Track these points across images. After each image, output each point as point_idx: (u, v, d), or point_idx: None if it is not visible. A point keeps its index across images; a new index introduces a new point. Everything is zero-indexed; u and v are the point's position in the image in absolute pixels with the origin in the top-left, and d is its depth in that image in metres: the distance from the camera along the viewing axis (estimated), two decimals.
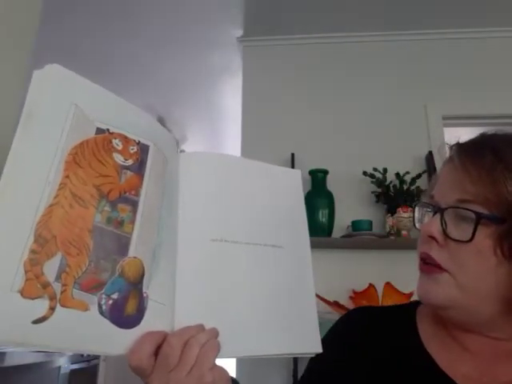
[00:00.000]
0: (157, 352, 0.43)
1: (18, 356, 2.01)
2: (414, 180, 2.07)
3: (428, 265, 0.53)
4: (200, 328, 0.46)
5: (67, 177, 0.40)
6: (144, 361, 0.41)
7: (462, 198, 0.51)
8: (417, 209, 0.59)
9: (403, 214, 1.99)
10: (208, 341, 0.44)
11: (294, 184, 0.63)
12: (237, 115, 2.60)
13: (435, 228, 0.52)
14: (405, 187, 2.06)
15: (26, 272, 0.36)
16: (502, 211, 0.48)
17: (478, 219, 0.49)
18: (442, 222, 0.52)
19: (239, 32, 2.46)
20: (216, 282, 0.50)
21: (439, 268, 0.51)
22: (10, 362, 1.90)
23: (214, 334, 0.46)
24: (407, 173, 2.07)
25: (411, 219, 1.99)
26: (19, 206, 0.37)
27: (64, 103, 0.42)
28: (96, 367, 2.80)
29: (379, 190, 2.12)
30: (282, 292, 0.54)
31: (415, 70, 2.40)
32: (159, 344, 0.43)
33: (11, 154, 0.38)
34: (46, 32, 1.41)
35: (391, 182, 2.11)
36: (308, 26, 2.40)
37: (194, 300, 0.48)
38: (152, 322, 0.44)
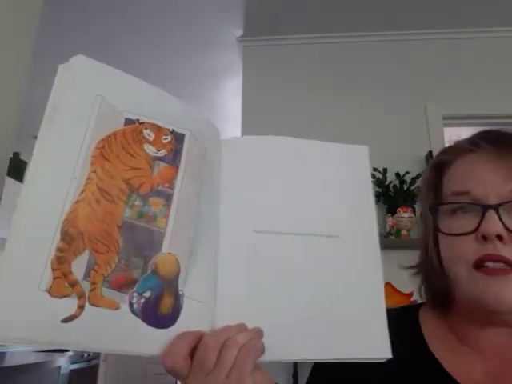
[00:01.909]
0: (194, 353, 0.40)
1: (18, 356, 2.04)
2: (414, 180, 2.07)
3: (498, 267, 0.48)
4: (241, 327, 0.42)
5: (94, 172, 0.39)
6: (178, 363, 0.39)
7: None
8: (442, 210, 0.54)
9: (403, 213, 2.00)
10: (249, 341, 0.40)
11: (359, 163, 0.54)
12: (237, 115, 2.58)
13: (499, 226, 0.48)
14: (405, 187, 2.08)
15: (53, 270, 0.36)
16: None
17: None
18: (500, 217, 0.48)
19: (239, 32, 2.46)
20: (260, 278, 0.46)
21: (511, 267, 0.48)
22: (10, 361, 1.92)
23: (257, 334, 0.42)
24: (407, 173, 2.07)
25: (411, 219, 2.00)
26: (45, 204, 0.37)
27: (90, 95, 0.40)
28: (96, 367, 2.79)
29: (379, 190, 2.08)
30: (338, 288, 0.48)
31: (415, 69, 2.40)
32: (195, 345, 0.40)
33: (36, 150, 0.37)
34: (46, 30, 1.44)
35: (391, 182, 2.08)
36: (308, 26, 2.41)
37: (236, 297, 0.45)
38: (189, 321, 0.41)
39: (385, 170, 2.09)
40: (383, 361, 0.46)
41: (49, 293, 0.35)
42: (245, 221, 0.48)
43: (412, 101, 2.33)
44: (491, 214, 0.49)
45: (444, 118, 2.26)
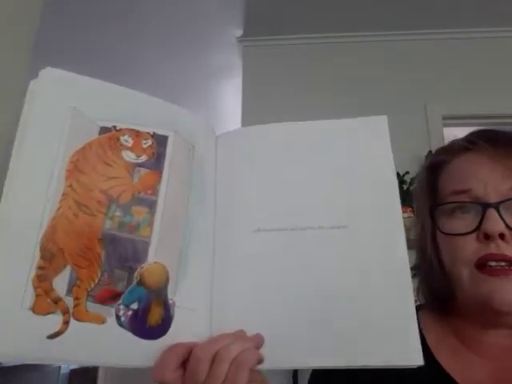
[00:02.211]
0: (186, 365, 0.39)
1: None
2: (413, 180, 1.93)
3: (500, 266, 0.47)
4: (237, 335, 0.40)
5: (70, 186, 0.39)
6: (168, 376, 0.38)
7: None
8: (442, 210, 0.52)
9: (403, 213, 1.80)
10: (242, 352, 0.38)
11: (377, 137, 0.48)
12: (237, 115, 2.50)
13: (500, 224, 0.47)
14: (405, 187, 2.03)
15: (35, 288, 0.36)
16: None
17: None
18: (501, 216, 0.47)
19: (239, 32, 2.40)
20: (260, 281, 0.43)
21: None
22: (10, 361, 1.98)
23: (256, 341, 0.40)
24: (407, 173, 2.01)
25: (410, 219, 1.76)
26: (22, 223, 0.37)
27: (61, 107, 0.40)
28: (96, 367, 2.77)
29: None
30: (349, 287, 0.43)
31: (415, 70, 2.37)
32: (186, 357, 0.39)
33: (9, 171, 0.37)
34: (45, 31, 1.45)
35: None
36: (308, 26, 2.36)
37: (235, 303, 0.43)
38: (181, 330, 0.40)
39: None
40: (414, 367, 0.41)
41: (32, 310, 0.36)
42: (244, 221, 0.45)
43: (412, 101, 2.31)
44: (492, 213, 0.48)
45: (444, 118, 2.25)
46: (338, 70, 2.43)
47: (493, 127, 0.56)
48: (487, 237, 0.47)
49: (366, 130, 0.48)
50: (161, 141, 0.43)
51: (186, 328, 0.40)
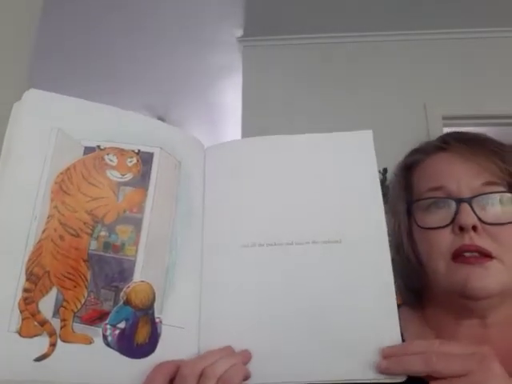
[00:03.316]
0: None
1: None
2: None
3: (475, 256, 0.50)
4: (224, 352, 0.40)
5: (55, 207, 0.39)
6: None
7: (490, 180, 0.52)
8: (418, 207, 0.55)
9: None
10: (230, 368, 0.39)
11: (362, 151, 0.49)
12: (237, 115, 2.51)
13: (473, 217, 0.50)
14: None
15: (21, 312, 0.36)
16: None
17: None
18: (473, 209, 0.50)
19: (239, 32, 2.40)
20: (248, 297, 0.44)
21: (488, 256, 0.50)
22: None
23: (243, 357, 0.40)
24: None
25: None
26: (7, 247, 0.37)
27: (44, 129, 0.40)
28: None
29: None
30: (339, 302, 0.43)
31: (415, 70, 2.37)
32: (173, 375, 0.39)
33: None
34: (45, 30, 1.43)
35: (391, 182, 1.81)
36: (308, 26, 2.35)
37: (221, 319, 0.43)
38: (169, 348, 0.40)
39: (385, 170, 1.96)
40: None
41: (19, 334, 0.36)
42: (232, 236, 0.45)
43: (412, 101, 2.31)
44: (465, 207, 0.50)
45: (444, 118, 2.24)
46: (338, 70, 2.43)
47: (465, 130, 0.60)
48: (461, 229, 0.50)
49: (351, 144, 0.49)
50: (146, 158, 0.43)
51: (174, 346, 0.41)
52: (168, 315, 0.41)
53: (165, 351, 0.40)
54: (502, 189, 0.52)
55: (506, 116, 2.24)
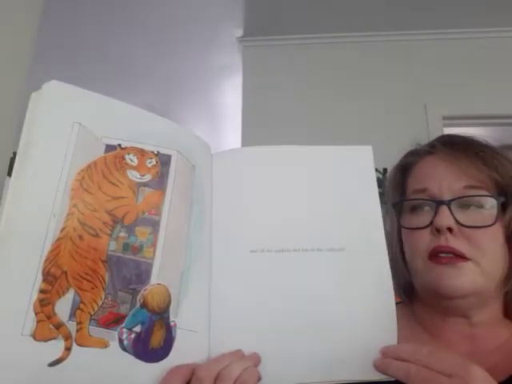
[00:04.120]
0: None
1: None
2: None
3: (450, 257, 0.51)
4: (236, 355, 0.41)
5: (75, 206, 0.37)
6: None
7: (471, 184, 0.52)
8: (405, 208, 0.57)
9: None
10: (244, 371, 0.39)
11: (362, 166, 0.52)
12: (237, 115, 2.54)
13: (450, 219, 0.51)
14: None
15: (36, 314, 0.34)
16: (506, 195, 0.52)
17: (499, 203, 0.51)
18: (452, 212, 0.51)
19: (239, 32, 2.42)
20: (257, 302, 0.44)
21: (463, 257, 0.51)
22: None
23: (254, 360, 0.41)
24: None
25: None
26: (23, 245, 0.35)
27: (66, 124, 0.38)
28: None
29: (379, 190, 1.96)
30: (341, 307, 0.46)
31: (415, 70, 2.36)
32: (189, 378, 0.39)
33: (11, 189, 0.35)
34: (45, 30, 1.41)
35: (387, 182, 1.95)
36: (308, 26, 2.35)
37: (231, 323, 0.44)
38: (183, 352, 0.40)
39: (385, 170, 2.00)
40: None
41: (33, 337, 0.34)
42: (241, 241, 0.46)
43: (412, 101, 2.30)
44: (444, 209, 0.52)
45: (444, 118, 2.24)
46: (338, 70, 2.42)
47: (489, 128, 0.63)
48: (438, 231, 0.52)
49: (353, 159, 0.52)
50: (164, 160, 0.43)
51: (187, 350, 0.40)
52: (182, 319, 0.41)
53: (178, 355, 0.40)
54: (483, 192, 0.52)
55: (506, 116, 2.21)
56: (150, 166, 0.42)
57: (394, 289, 0.59)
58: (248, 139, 2.36)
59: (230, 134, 3.42)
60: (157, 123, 0.44)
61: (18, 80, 0.78)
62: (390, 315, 0.45)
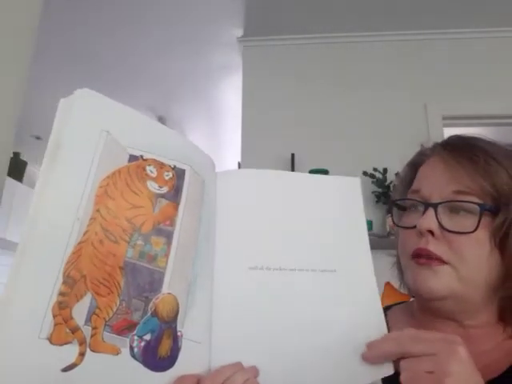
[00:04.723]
0: None
1: None
2: None
3: (427, 258, 0.52)
4: (237, 367, 0.42)
5: (98, 210, 0.38)
6: None
7: (460, 189, 0.52)
8: (395, 206, 0.59)
9: None
10: (246, 381, 0.41)
11: (351, 195, 0.55)
12: (237, 115, 2.59)
13: (433, 222, 0.52)
14: None
15: (54, 317, 0.34)
16: (496, 202, 0.51)
17: (482, 210, 0.51)
18: (437, 215, 0.52)
19: (239, 32, 2.48)
20: (255, 315, 0.46)
21: (440, 260, 0.51)
22: None
23: (253, 373, 0.43)
24: None
25: None
26: (47, 246, 0.35)
27: (94, 131, 0.39)
28: None
29: (379, 190, 2.12)
30: (334, 325, 0.49)
31: (415, 69, 2.39)
32: None
33: (38, 188, 0.35)
34: (45, 30, 1.41)
35: (391, 181, 2.10)
36: (308, 26, 2.40)
37: (230, 335, 0.45)
38: (187, 363, 0.41)
39: (385, 170, 2.10)
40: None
41: (49, 341, 0.34)
42: (240, 258, 0.48)
43: (412, 101, 2.32)
44: (430, 211, 0.52)
45: (444, 118, 2.25)
46: (338, 70, 2.44)
47: (492, 127, 0.61)
48: (421, 232, 0.53)
49: (343, 189, 0.55)
50: (179, 174, 0.44)
51: (191, 360, 0.41)
52: (188, 329, 0.42)
53: (183, 366, 0.40)
54: (470, 198, 0.51)
55: (506, 116, 2.22)
56: (167, 178, 0.43)
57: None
58: (248, 139, 2.36)
59: (230, 133, 3.42)
60: (174, 138, 0.46)
61: (18, 80, 0.75)
62: (379, 324, 0.48)
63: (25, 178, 3.89)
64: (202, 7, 2.23)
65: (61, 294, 0.35)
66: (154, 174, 0.42)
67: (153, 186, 0.42)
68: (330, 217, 0.54)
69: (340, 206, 0.55)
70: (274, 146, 2.28)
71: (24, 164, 3.83)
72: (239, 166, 2.48)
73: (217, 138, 3.68)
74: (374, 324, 0.49)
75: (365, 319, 0.49)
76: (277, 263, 0.49)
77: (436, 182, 0.55)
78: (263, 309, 0.47)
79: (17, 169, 3.71)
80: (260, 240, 0.50)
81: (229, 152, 3.71)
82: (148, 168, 0.42)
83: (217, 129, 3.55)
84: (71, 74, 2.69)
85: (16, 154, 3.60)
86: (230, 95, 2.97)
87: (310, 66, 2.47)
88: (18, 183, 3.73)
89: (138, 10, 2.25)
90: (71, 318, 0.35)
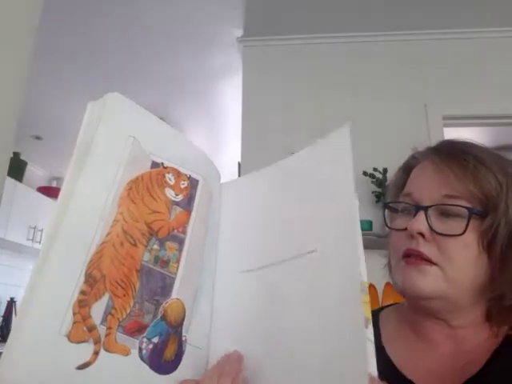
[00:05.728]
0: None
1: None
2: None
3: (416, 258, 0.53)
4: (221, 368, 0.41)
5: (121, 213, 0.39)
6: None
7: (449, 193, 0.54)
8: (388, 208, 0.60)
9: None
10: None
11: (338, 156, 0.45)
12: (237, 115, 2.59)
13: (423, 225, 0.53)
14: None
15: (74, 314, 0.35)
16: (485, 206, 0.53)
17: (471, 214, 0.52)
18: (428, 218, 0.54)
19: (239, 32, 2.47)
20: (249, 318, 0.47)
21: (429, 261, 0.53)
22: None
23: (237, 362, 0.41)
24: None
25: None
26: (71, 245, 0.35)
27: (122, 135, 0.40)
28: None
29: (379, 189, 2.11)
30: (313, 314, 0.41)
31: (415, 69, 2.39)
32: None
33: (65, 188, 0.36)
34: (45, 30, 1.39)
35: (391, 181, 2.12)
36: (308, 26, 2.39)
37: (225, 340, 0.46)
38: (188, 367, 0.42)
39: (385, 170, 2.09)
40: None
41: (68, 338, 0.34)
42: (232, 263, 0.49)
43: (412, 101, 2.32)
44: (420, 214, 0.54)
45: (444, 118, 2.24)
46: (338, 70, 2.42)
47: (494, 127, 0.62)
48: (411, 234, 0.54)
49: (326, 153, 0.47)
50: (194, 183, 0.46)
51: (192, 366, 0.42)
52: (192, 335, 0.43)
53: (185, 370, 0.41)
54: (459, 202, 0.53)
55: (506, 116, 2.21)
56: (182, 187, 0.45)
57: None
58: (248, 139, 2.33)
59: (230, 133, 3.36)
60: (191, 148, 0.47)
61: (18, 80, 0.73)
62: (355, 323, 0.38)
63: (25, 178, 3.74)
64: (201, 7, 2.22)
65: (82, 292, 0.35)
66: (172, 182, 0.44)
67: (170, 194, 0.43)
68: (315, 193, 0.46)
69: (329, 178, 0.45)
70: (273, 146, 2.23)
71: (24, 164, 3.72)
72: (239, 166, 2.44)
73: (217, 138, 3.64)
74: (348, 314, 0.39)
75: (338, 309, 0.40)
76: (258, 262, 0.46)
77: (427, 186, 0.56)
78: (256, 310, 0.48)
79: (17, 169, 3.57)
80: (252, 244, 0.49)
81: (229, 152, 3.65)
82: (167, 176, 0.43)
83: (217, 129, 3.52)
84: (72, 75, 2.61)
85: (16, 154, 3.52)
86: (230, 95, 2.95)
87: (309, 66, 2.46)
88: (18, 183, 3.58)
89: (137, 11, 2.22)
90: (89, 316, 0.35)
